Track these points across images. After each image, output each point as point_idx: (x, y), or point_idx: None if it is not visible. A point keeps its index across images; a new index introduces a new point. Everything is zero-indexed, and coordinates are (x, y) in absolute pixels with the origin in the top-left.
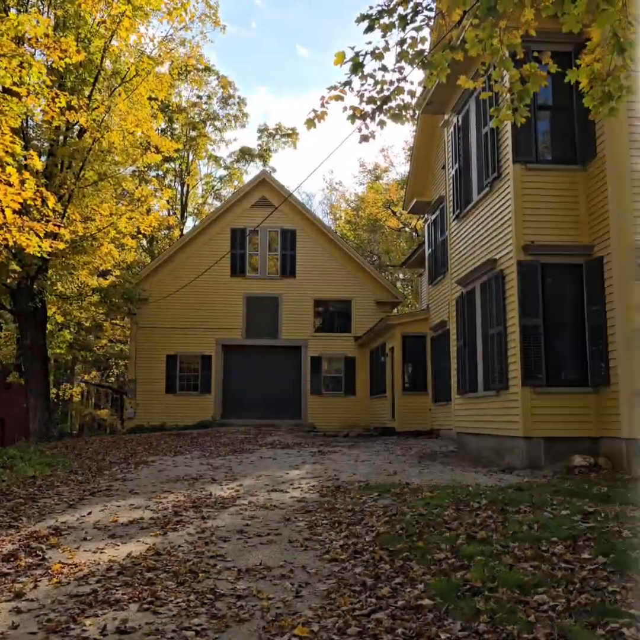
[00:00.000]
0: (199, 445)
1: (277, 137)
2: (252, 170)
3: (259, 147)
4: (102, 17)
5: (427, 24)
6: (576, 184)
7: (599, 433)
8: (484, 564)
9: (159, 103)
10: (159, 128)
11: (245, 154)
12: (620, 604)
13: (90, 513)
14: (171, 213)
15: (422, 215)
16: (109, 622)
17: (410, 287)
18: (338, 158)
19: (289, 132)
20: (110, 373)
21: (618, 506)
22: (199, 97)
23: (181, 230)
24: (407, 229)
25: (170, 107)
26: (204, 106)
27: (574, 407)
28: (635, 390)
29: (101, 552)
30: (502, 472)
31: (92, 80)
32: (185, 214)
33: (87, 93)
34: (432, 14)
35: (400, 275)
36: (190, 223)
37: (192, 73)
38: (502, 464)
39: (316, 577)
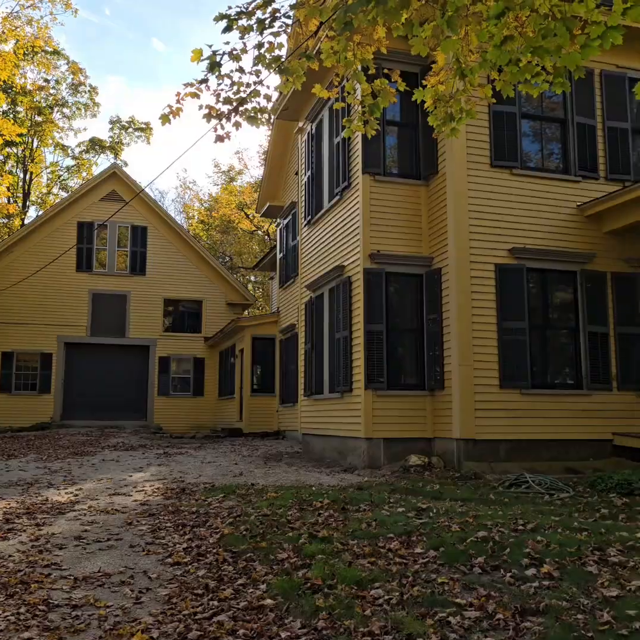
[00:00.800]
0: (36, 448)
1: (130, 130)
2: (103, 162)
3: (111, 139)
4: None
5: (285, 31)
6: (419, 198)
7: (434, 434)
8: (324, 562)
9: (2, 83)
10: (1, 109)
11: (95, 145)
12: (448, 594)
13: None
14: (11, 201)
15: (274, 219)
16: None
17: (261, 290)
18: (193, 157)
19: (143, 126)
20: None
21: (448, 502)
22: (47, 80)
23: (22, 219)
24: (259, 232)
25: (14, 89)
26: (51, 91)
27: (412, 410)
28: (464, 394)
29: None
30: (344, 472)
31: None
32: (28, 203)
33: None
34: (289, 22)
35: (252, 278)
36: (33, 213)
37: (39, 55)
38: (344, 464)
39: (158, 582)
